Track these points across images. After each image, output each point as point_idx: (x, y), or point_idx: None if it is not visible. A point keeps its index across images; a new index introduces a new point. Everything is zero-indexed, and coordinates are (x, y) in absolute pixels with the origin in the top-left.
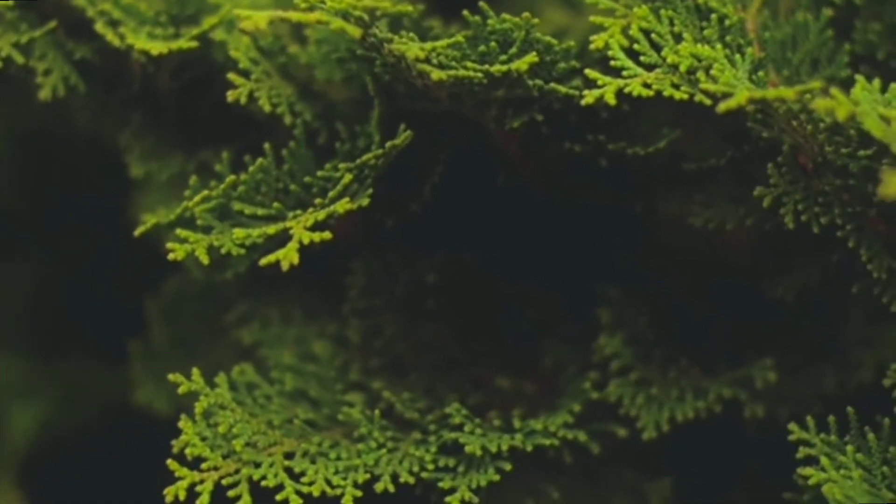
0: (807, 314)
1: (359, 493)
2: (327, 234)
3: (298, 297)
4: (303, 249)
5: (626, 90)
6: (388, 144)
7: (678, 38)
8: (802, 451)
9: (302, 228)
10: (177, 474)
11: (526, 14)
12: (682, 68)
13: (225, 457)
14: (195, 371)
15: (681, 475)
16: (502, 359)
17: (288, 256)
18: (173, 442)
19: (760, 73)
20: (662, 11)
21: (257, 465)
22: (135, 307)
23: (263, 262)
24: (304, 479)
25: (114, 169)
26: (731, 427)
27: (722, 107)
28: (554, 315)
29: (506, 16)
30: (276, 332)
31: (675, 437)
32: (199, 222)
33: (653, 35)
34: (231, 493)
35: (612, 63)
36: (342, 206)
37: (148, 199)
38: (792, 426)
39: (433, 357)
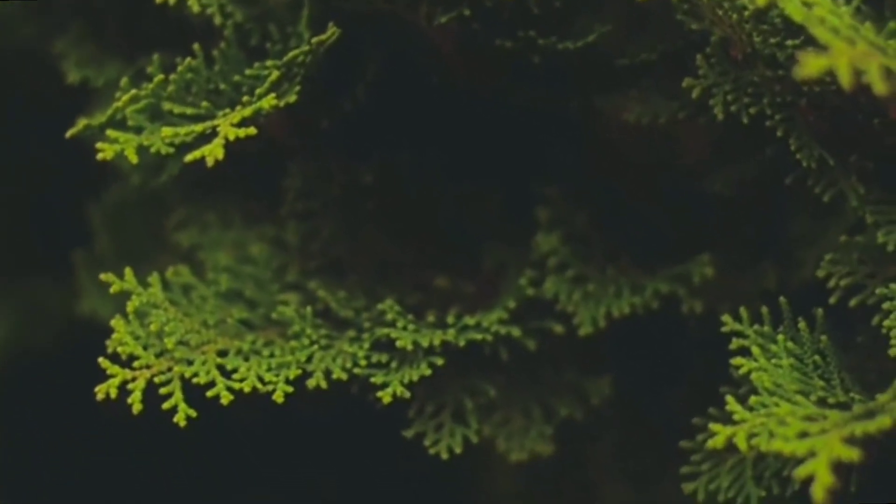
0: (749, 212)
1: (290, 389)
2: (252, 130)
3: (238, 202)
4: (241, 153)
5: None
6: (314, 40)
7: None
8: (736, 343)
9: (228, 125)
10: (108, 372)
11: None
12: None
13: (158, 355)
14: (128, 271)
15: (622, 373)
16: (442, 260)
17: (213, 152)
18: (107, 342)
19: None
20: None
21: (190, 363)
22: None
23: (189, 158)
24: (235, 377)
25: (60, 83)
26: (674, 325)
27: None
28: (495, 216)
29: None
30: (215, 235)
31: (617, 336)
32: (129, 123)
33: None
34: (163, 391)
35: None
36: (268, 101)
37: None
38: (725, 318)
39: (372, 259)
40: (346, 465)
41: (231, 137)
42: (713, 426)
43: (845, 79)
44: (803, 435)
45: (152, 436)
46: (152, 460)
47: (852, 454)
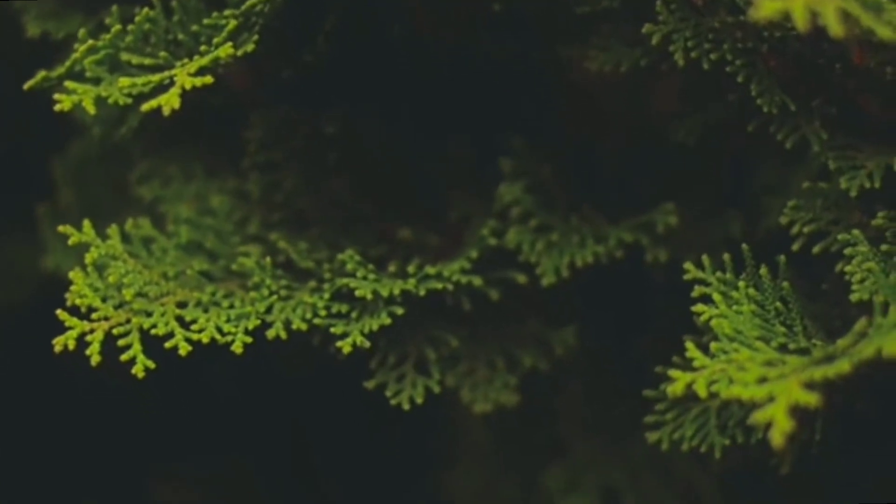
0: (715, 161)
1: (249, 340)
2: (208, 79)
3: (200, 155)
4: (204, 105)
5: None
6: None
7: None
8: (698, 290)
9: (185, 75)
10: (66, 324)
11: None
12: None
13: (116, 307)
14: (86, 222)
15: (586, 323)
16: (407, 212)
17: (170, 101)
18: (66, 295)
19: None
20: None
21: (149, 315)
22: None
23: (145, 107)
24: (194, 328)
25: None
26: (639, 274)
27: None
28: (460, 167)
29: None
30: (177, 188)
31: (581, 286)
32: (88, 74)
33: None
34: (121, 343)
35: None
36: (225, 50)
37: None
38: (687, 265)
39: (335, 211)
40: (314, 419)
41: (188, 87)
42: (672, 373)
43: (800, 21)
44: (762, 380)
45: (129, 393)
46: (130, 417)
47: (811, 399)
